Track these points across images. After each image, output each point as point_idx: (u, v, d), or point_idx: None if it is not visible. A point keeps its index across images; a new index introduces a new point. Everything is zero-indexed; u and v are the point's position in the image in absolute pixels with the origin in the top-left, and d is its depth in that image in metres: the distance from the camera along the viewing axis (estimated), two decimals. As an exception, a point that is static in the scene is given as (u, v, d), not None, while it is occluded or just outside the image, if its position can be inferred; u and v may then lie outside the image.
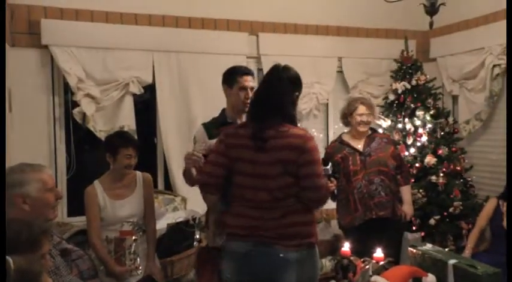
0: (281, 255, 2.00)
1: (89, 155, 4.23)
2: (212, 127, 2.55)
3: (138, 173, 2.94)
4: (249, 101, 2.43)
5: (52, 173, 2.36)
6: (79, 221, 3.47)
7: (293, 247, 2.01)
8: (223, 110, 2.66)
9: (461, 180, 4.20)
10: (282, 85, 2.09)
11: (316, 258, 2.12)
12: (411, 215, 3.45)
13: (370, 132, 3.38)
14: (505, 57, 3.99)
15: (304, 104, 4.34)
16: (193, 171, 2.44)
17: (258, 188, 2.04)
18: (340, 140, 3.41)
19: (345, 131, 3.49)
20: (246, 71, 2.60)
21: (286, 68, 2.16)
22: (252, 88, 2.53)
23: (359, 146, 3.30)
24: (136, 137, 3.51)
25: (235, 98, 2.53)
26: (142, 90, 3.92)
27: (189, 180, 2.49)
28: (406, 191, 3.43)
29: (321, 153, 3.10)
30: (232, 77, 2.56)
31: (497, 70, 4.07)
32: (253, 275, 2.05)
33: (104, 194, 2.78)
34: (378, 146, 3.30)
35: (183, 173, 2.52)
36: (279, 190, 2.02)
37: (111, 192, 2.80)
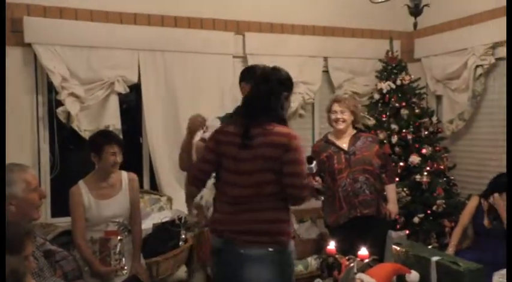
0: (241, 251, 2.06)
1: (73, 154, 4.18)
2: (226, 120, 2.56)
3: (124, 173, 2.92)
4: None
5: (35, 173, 2.34)
6: (63, 222, 3.43)
7: (258, 244, 2.05)
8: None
9: (445, 179, 4.25)
10: (270, 86, 2.15)
11: (288, 256, 2.14)
12: (396, 214, 3.48)
13: (355, 131, 3.41)
14: (487, 58, 4.06)
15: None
16: (194, 155, 2.46)
17: (237, 184, 2.11)
18: (325, 139, 3.43)
19: (331, 130, 3.52)
20: None
21: (276, 69, 2.22)
22: None
23: (344, 144, 3.32)
24: (121, 136, 3.48)
25: None
26: (128, 90, 3.89)
27: (184, 163, 2.50)
28: (390, 190, 3.46)
29: (307, 152, 3.15)
30: (250, 74, 2.57)
31: (479, 70, 4.13)
32: (224, 272, 2.12)
33: (89, 194, 2.76)
34: (363, 144, 3.32)
35: (180, 155, 2.54)
36: (255, 187, 2.07)
37: (96, 192, 2.78)
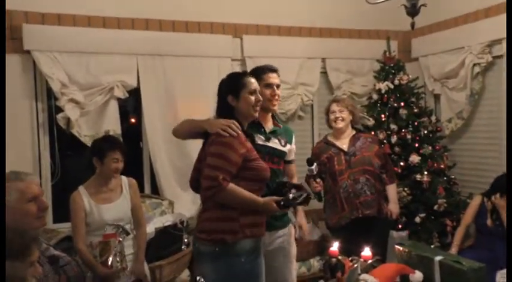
0: (196, 245, 2.23)
1: (73, 160, 4.18)
2: None
3: (124, 178, 2.92)
4: (275, 97, 2.56)
5: (38, 182, 2.28)
6: (65, 227, 3.43)
7: (207, 241, 2.15)
8: None
9: (445, 178, 4.25)
10: (218, 91, 2.32)
11: (231, 256, 2.13)
12: (397, 214, 3.49)
13: (354, 131, 3.42)
14: (484, 56, 4.06)
15: (289, 105, 4.38)
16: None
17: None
18: (325, 141, 3.44)
19: (330, 131, 3.53)
20: (271, 69, 2.64)
21: (229, 74, 2.38)
22: (278, 86, 2.59)
23: (344, 145, 3.33)
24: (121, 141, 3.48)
25: (261, 95, 2.54)
26: (127, 94, 3.90)
27: (179, 129, 2.45)
28: (391, 190, 3.47)
29: (308, 154, 3.15)
30: (257, 75, 2.56)
31: (477, 69, 4.14)
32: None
33: (90, 198, 2.76)
34: (363, 145, 3.33)
35: (183, 123, 2.43)
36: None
37: (96, 197, 2.77)
